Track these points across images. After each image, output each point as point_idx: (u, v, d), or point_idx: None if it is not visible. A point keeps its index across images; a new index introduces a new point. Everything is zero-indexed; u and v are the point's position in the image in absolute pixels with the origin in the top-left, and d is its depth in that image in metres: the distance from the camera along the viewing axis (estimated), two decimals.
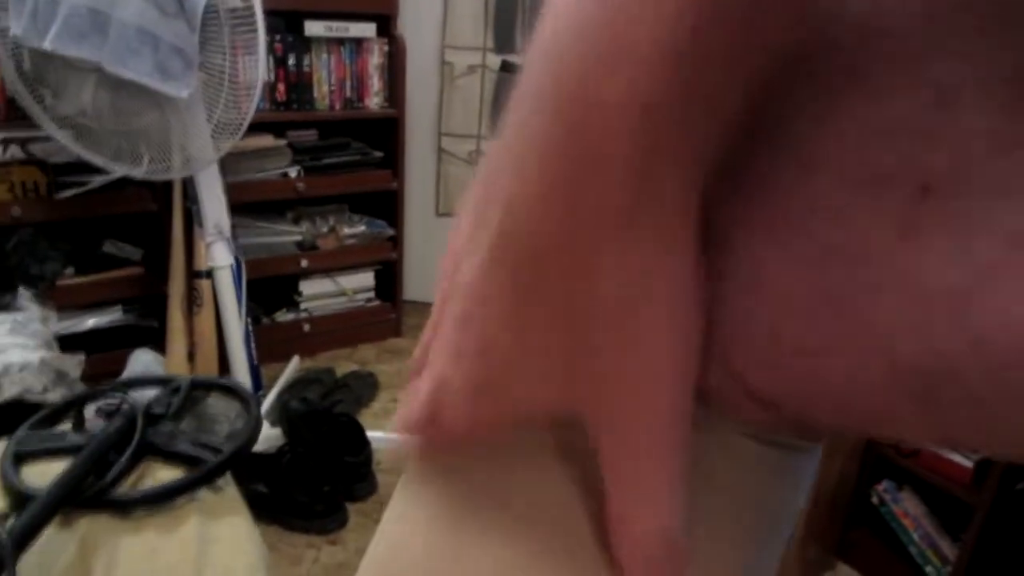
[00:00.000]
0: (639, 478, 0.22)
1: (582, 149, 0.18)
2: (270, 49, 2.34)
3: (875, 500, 1.74)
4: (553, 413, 0.23)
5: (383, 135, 2.67)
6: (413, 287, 3.00)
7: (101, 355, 2.09)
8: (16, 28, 1.48)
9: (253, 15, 1.67)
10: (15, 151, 2.04)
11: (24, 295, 1.71)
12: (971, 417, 0.18)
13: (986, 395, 0.17)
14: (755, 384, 0.21)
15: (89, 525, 0.78)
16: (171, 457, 0.91)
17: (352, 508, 1.91)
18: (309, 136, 2.58)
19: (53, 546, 0.73)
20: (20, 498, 0.78)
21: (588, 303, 0.20)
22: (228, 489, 0.92)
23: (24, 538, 0.66)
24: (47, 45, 1.43)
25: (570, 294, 0.20)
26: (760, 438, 0.24)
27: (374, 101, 2.63)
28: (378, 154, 2.66)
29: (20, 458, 0.85)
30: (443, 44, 2.80)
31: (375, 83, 2.62)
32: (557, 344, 0.21)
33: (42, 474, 0.82)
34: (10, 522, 0.65)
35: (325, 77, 2.52)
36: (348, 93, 2.58)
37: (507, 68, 2.79)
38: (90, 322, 2.23)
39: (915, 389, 0.18)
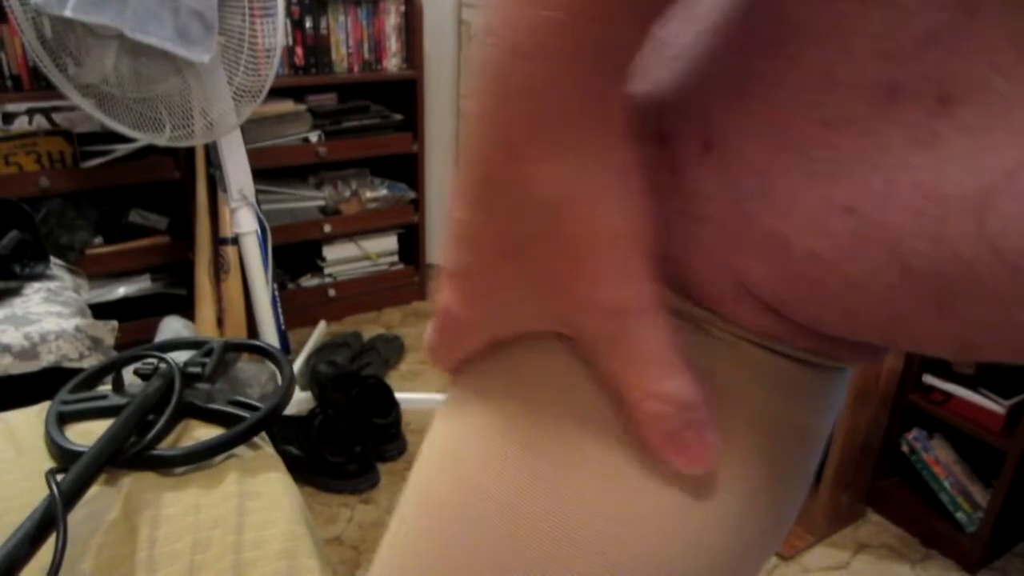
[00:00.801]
0: (638, 356, 0.22)
1: (509, 61, 0.19)
2: (287, 12, 2.31)
3: (905, 448, 1.73)
4: (540, 327, 0.24)
5: (402, 97, 2.65)
6: (436, 250, 3.00)
7: (131, 323, 2.12)
8: None
9: None
10: (40, 121, 2.05)
11: (56, 265, 1.73)
12: (989, 320, 0.18)
13: (1005, 295, 0.17)
14: (764, 291, 0.21)
15: (133, 483, 0.79)
16: (209, 416, 0.92)
17: (383, 468, 1.94)
18: (328, 100, 2.56)
19: (99, 503, 0.75)
20: (66, 456, 0.79)
21: (525, 205, 0.21)
22: (265, 447, 0.94)
23: (73, 495, 0.67)
24: (68, 12, 1.43)
25: (510, 202, 0.21)
26: (778, 351, 0.24)
27: (392, 63, 2.60)
28: (398, 117, 2.64)
29: (64, 418, 0.87)
30: (460, 2, 2.75)
31: (393, 44, 2.59)
32: (518, 266, 0.22)
33: (85, 434, 0.84)
34: (59, 479, 0.66)
35: (343, 39, 2.50)
36: (366, 55, 2.55)
37: None
38: (120, 291, 2.26)
39: (931, 293, 0.18)
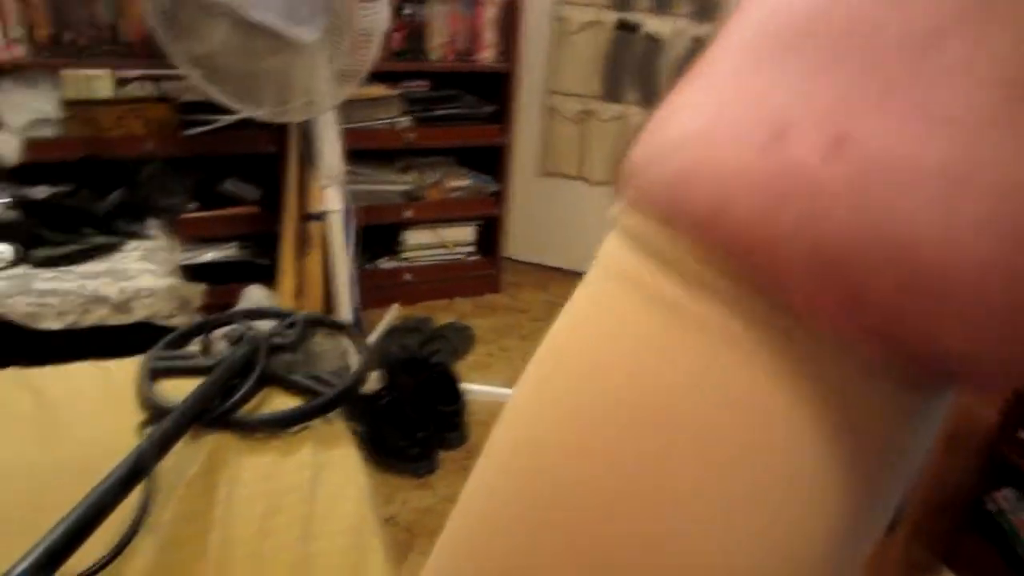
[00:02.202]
0: None
1: None
2: None
3: (991, 507, 1.64)
4: None
5: (493, 89, 2.66)
6: (514, 244, 3.01)
7: (216, 287, 2.20)
8: None
9: None
10: (150, 88, 2.14)
11: (153, 225, 1.81)
12: None
13: None
14: (881, 302, 0.19)
15: (215, 442, 0.82)
16: (289, 386, 0.95)
17: (443, 455, 1.96)
18: (421, 87, 2.59)
19: (183, 458, 0.78)
20: (156, 411, 0.83)
21: None
22: (338, 421, 0.96)
23: (162, 447, 0.70)
24: None
25: None
26: (882, 370, 0.22)
27: (487, 54, 2.62)
28: (489, 108, 2.66)
29: (156, 374, 0.90)
30: None
31: (489, 36, 2.60)
32: None
33: (174, 390, 0.87)
34: (149, 430, 0.69)
35: (440, 28, 2.53)
36: (461, 45, 2.58)
37: (624, 27, 2.72)
38: (208, 255, 2.35)
39: None
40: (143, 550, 0.66)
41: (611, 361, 0.25)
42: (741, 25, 0.23)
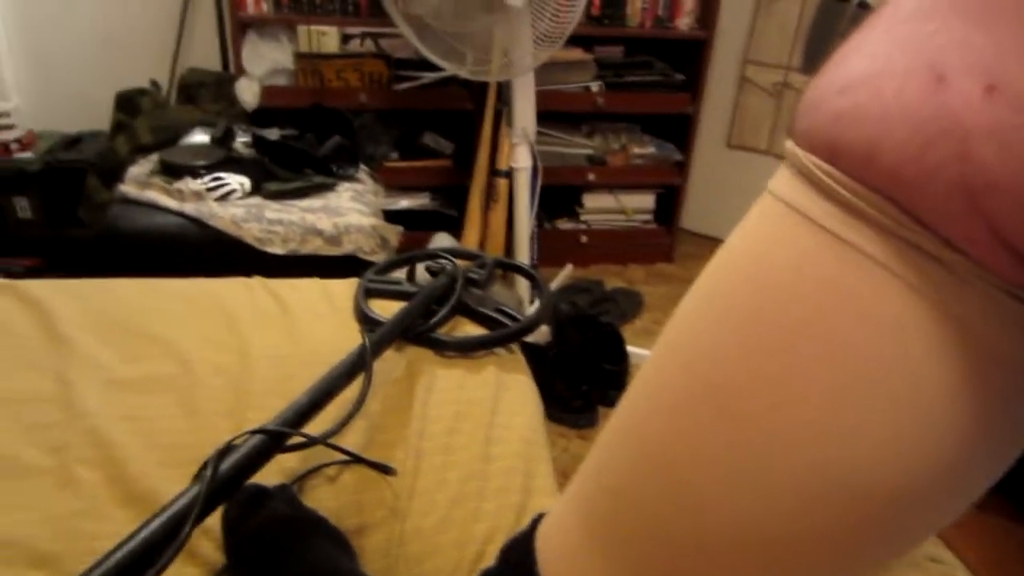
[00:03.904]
0: None
1: None
2: None
3: None
4: None
5: (687, 57, 2.64)
6: (691, 216, 2.99)
7: (408, 233, 2.39)
8: None
9: None
10: (369, 45, 2.34)
11: (362, 169, 2.00)
12: None
13: None
14: (1014, 237, 0.21)
15: (415, 354, 0.95)
16: (478, 317, 1.06)
17: (604, 412, 2.04)
18: (616, 52, 2.63)
19: (390, 363, 0.91)
20: (369, 322, 0.96)
21: None
22: (517, 352, 1.05)
23: (377, 349, 0.82)
24: None
25: None
26: (1014, 296, 0.23)
27: (684, 21, 2.60)
28: (680, 76, 2.65)
29: (369, 293, 1.04)
30: None
31: (688, 2, 2.58)
32: None
33: (384, 308, 1.00)
34: (368, 335, 0.81)
35: None
36: (660, 11, 2.58)
37: None
38: (403, 203, 2.55)
39: None
40: (358, 429, 0.79)
41: (771, 276, 0.29)
42: None
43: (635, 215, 2.84)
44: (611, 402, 2.07)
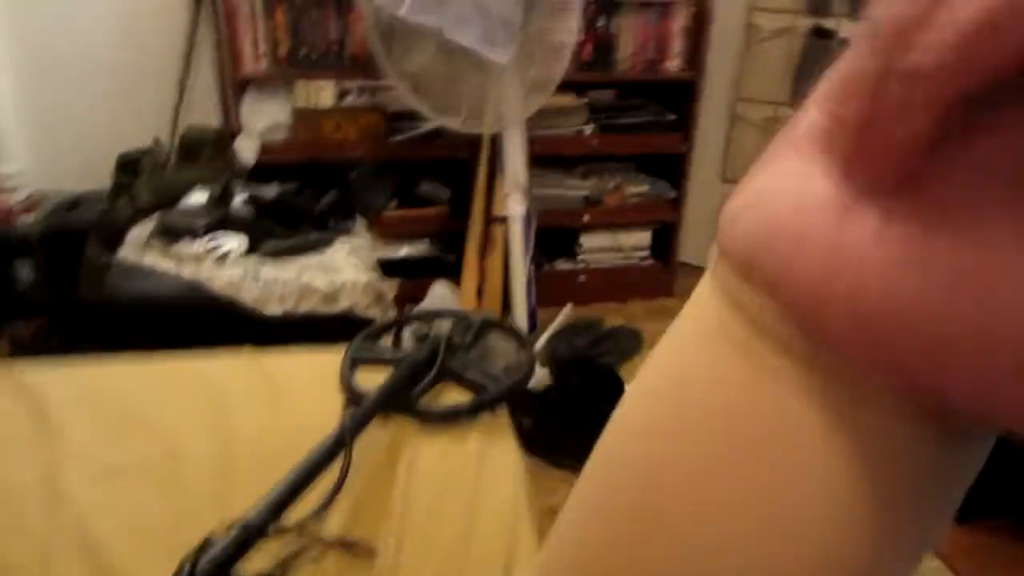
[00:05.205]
0: None
1: None
2: (583, 11, 2.45)
3: None
4: None
5: (678, 97, 2.68)
6: (690, 250, 3.02)
7: (408, 281, 2.43)
8: None
9: None
10: (365, 98, 2.40)
11: (358, 222, 2.05)
12: None
13: None
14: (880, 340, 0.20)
15: (398, 426, 0.97)
16: (463, 382, 1.08)
17: None
18: (608, 96, 2.68)
19: (374, 437, 0.93)
20: (355, 395, 0.99)
21: None
22: (502, 415, 1.08)
23: (359, 426, 0.85)
24: (402, 12, 1.67)
25: None
26: (903, 410, 0.22)
27: (673, 63, 2.65)
28: (671, 116, 2.69)
29: (355, 363, 1.07)
30: (751, 5, 2.71)
31: (676, 45, 2.63)
32: None
33: (369, 379, 1.03)
34: (351, 410, 0.84)
35: (629, 39, 2.59)
36: (649, 55, 2.62)
37: (821, 34, 2.64)
38: (403, 251, 2.59)
39: None
40: (341, 508, 0.81)
41: (690, 394, 0.30)
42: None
43: (633, 252, 2.87)
44: None
